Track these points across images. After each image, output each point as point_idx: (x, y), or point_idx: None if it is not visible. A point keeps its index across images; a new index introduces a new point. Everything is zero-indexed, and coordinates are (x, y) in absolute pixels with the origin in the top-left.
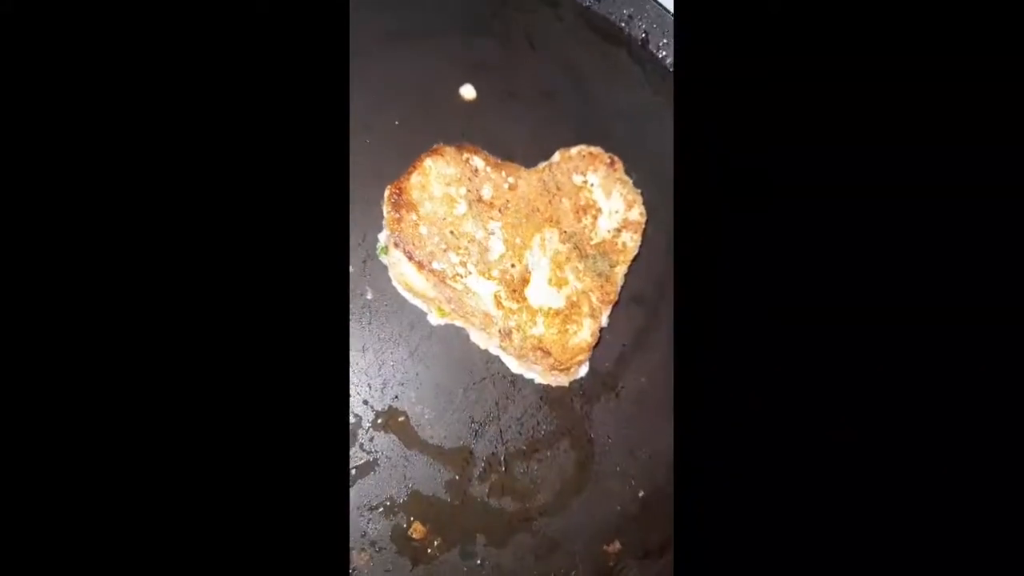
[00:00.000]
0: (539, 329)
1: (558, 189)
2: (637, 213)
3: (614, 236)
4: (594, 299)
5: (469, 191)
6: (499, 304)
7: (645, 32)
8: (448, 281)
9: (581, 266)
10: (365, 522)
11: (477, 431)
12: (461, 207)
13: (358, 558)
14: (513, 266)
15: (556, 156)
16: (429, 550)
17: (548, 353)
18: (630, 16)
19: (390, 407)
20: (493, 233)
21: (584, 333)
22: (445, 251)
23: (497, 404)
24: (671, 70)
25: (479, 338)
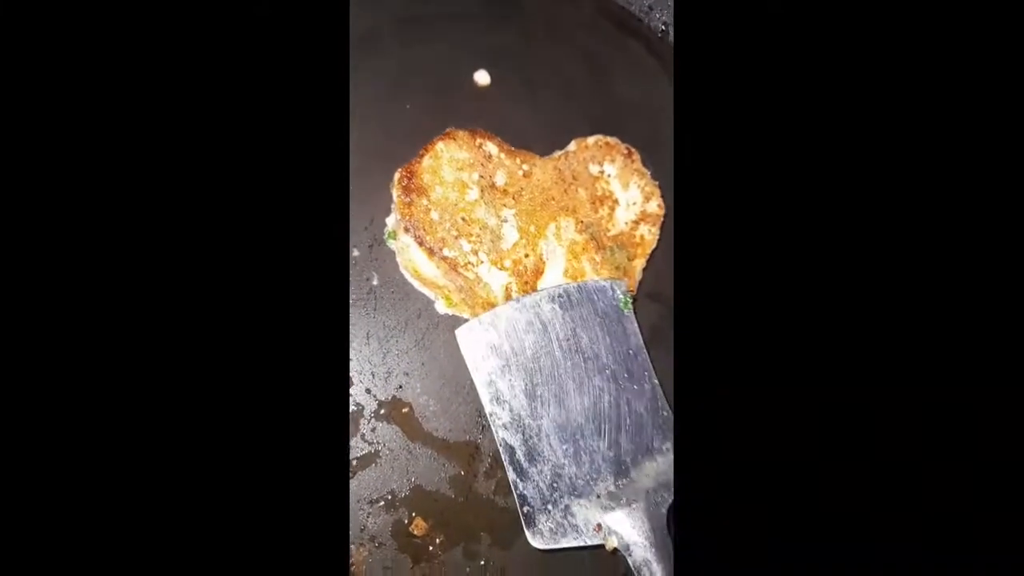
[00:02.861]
0: None
1: (574, 178)
2: (655, 205)
3: (632, 228)
4: None
5: (482, 176)
6: (509, 296)
7: (664, 25)
8: (460, 269)
9: (598, 258)
10: (365, 516)
11: (484, 425)
12: (473, 193)
13: (357, 553)
14: (527, 256)
15: (572, 145)
16: (431, 547)
17: None
18: (650, 7)
19: (394, 397)
20: (506, 220)
21: None
22: (456, 238)
23: None
24: None
25: None
